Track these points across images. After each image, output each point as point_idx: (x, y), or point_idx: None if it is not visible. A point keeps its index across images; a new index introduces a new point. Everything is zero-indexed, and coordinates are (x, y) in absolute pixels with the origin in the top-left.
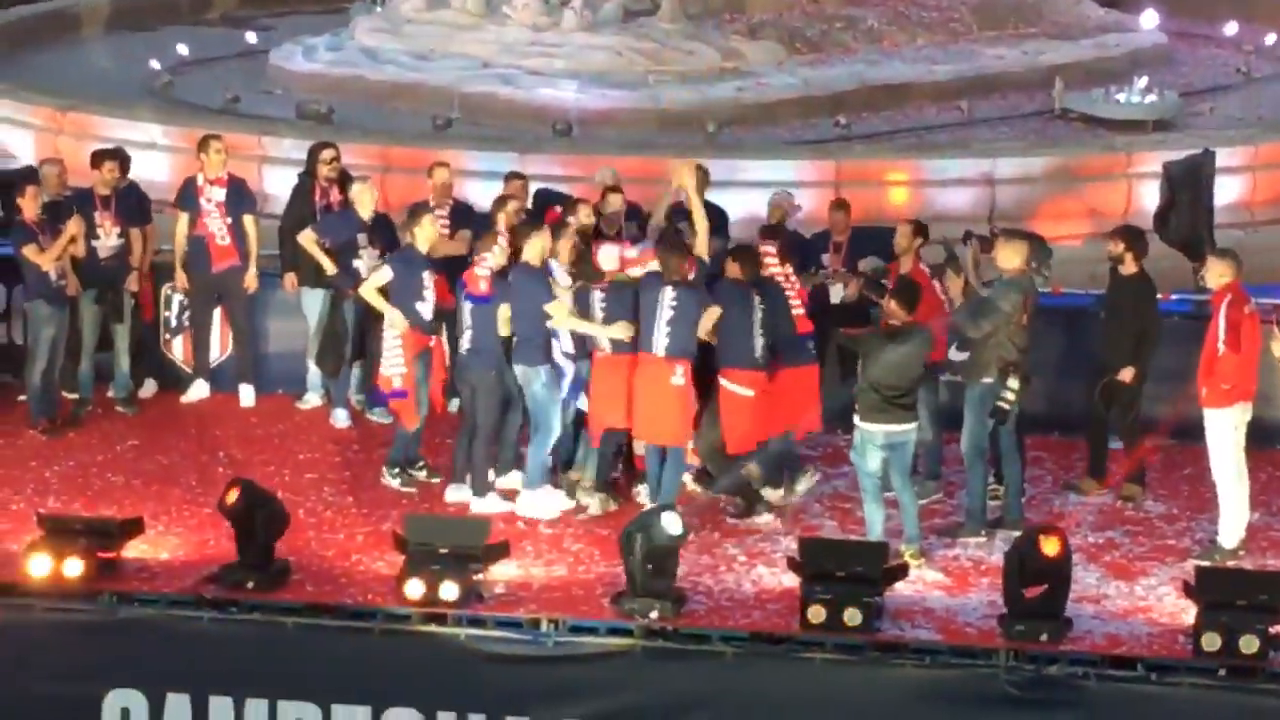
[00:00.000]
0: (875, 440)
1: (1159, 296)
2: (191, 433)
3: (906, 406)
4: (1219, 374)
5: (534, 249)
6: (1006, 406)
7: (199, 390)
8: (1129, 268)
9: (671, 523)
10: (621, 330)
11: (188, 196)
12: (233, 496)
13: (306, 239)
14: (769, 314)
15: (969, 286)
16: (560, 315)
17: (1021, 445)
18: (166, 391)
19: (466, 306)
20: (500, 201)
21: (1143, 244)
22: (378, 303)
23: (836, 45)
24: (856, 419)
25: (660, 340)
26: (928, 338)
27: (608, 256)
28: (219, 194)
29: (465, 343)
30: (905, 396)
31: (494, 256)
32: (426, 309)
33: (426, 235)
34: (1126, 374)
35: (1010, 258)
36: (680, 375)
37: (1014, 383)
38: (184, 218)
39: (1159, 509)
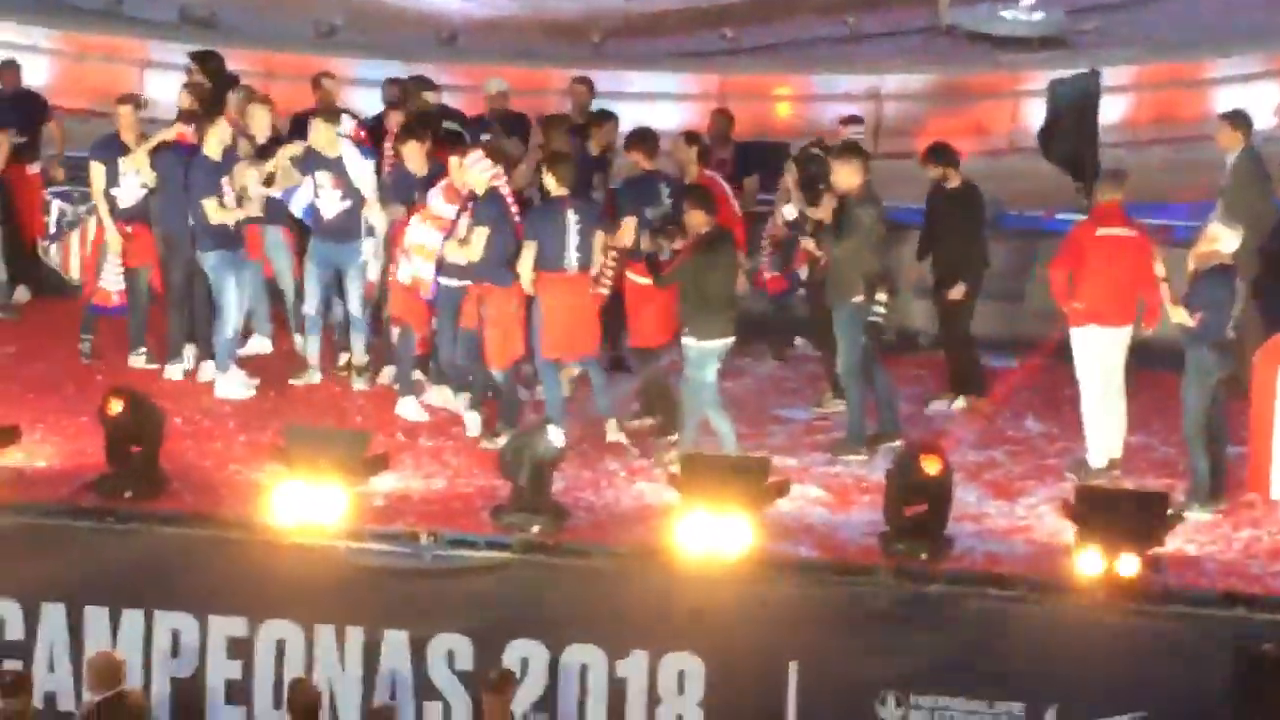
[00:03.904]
0: (717, 354)
1: (984, 212)
2: (69, 340)
3: (731, 318)
4: (1056, 290)
5: (210, 141)
6: (881, 321)
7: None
8: (954, 181)
9: (554, 436)
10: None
11: None
12: (113, 405)
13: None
14: None
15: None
16: (211, 210)
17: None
18: (43, 298)
19: None
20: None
21: (955, 156)
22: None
23: None
24: (694, 338)
25: (572, 258)
26: (734, 241)
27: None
28: None
29: None
30: (730, 306)
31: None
32: (122, 195)
33: (128, 123)
34: (957, 291)
35: (849, 177)
36: (592, 287)
37: (883, 296)
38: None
39: (1040, 428)
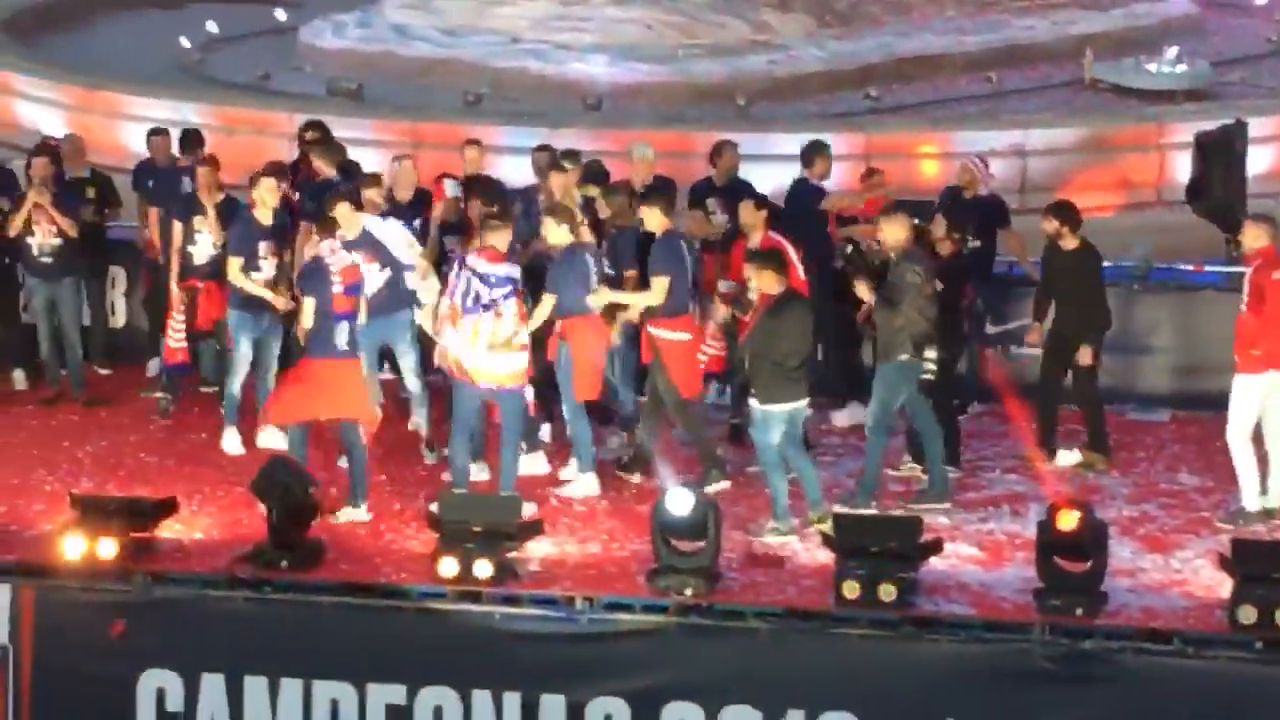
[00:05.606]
0: (780, 418)
1: (1104, 264)
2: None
3: (801, 380)
4: (1243, 338)
5: (260, 202)
6: (931, 378)
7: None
8: (1069, 242)
9: (680, 500)
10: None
11: None
12: (268, 475)
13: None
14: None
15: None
16: (234, 268)
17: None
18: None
19: None
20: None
21: (1076, 217)
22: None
23: (866, 17)
24: (757, 401)
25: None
26: (807, 304)
27: None
28: None
29: None
30: (801, 368)
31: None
32: (196, 252)
33: (206, 183)
34: (1085, 355)
35: (896, 233)
36: None
37: (932, 353)
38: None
39: (1193, 481)
